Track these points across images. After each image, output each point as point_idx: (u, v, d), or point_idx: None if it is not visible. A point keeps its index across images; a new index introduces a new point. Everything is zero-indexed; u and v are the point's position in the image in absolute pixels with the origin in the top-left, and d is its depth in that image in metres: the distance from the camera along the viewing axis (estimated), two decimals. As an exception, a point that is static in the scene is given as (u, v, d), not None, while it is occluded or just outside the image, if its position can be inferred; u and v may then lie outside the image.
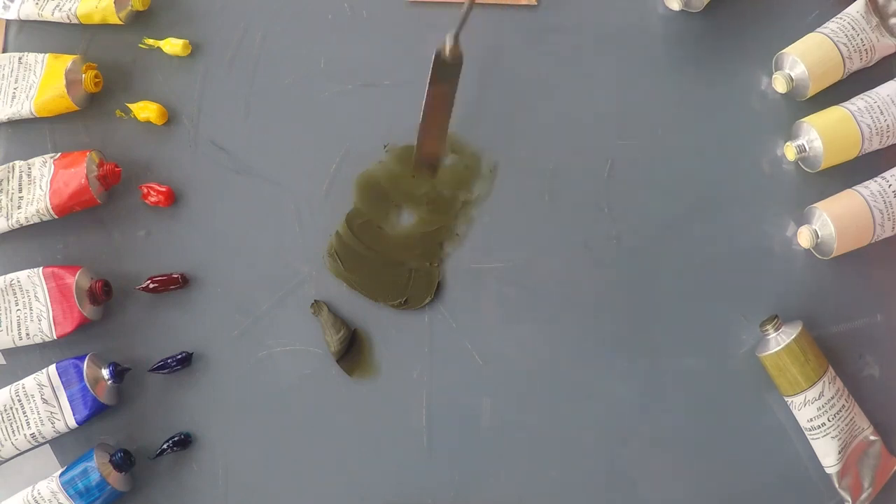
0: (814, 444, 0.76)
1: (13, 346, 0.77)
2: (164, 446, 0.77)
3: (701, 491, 0.77)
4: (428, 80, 0.75)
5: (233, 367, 0.79)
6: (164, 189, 0.80)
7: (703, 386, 0.78)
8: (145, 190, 0.81)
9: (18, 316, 0.77)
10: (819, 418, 0.74)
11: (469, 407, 0.78)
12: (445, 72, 0.75)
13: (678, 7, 0.82)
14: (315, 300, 0.80)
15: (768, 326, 0.76)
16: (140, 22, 0.84)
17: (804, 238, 0.78)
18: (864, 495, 0.76)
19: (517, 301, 0.80)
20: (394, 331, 0.79)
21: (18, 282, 0.77)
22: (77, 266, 0.78)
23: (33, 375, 0.76)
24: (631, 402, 0.78)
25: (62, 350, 0.79)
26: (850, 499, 0.76)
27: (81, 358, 0.76)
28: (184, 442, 0.77)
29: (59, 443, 0.77)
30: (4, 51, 0.84)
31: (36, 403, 0.75)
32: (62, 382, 0.75)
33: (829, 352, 0.77)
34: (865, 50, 0.78)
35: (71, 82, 0.80)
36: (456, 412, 0.78)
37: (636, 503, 0.77)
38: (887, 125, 0.77)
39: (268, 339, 0.79)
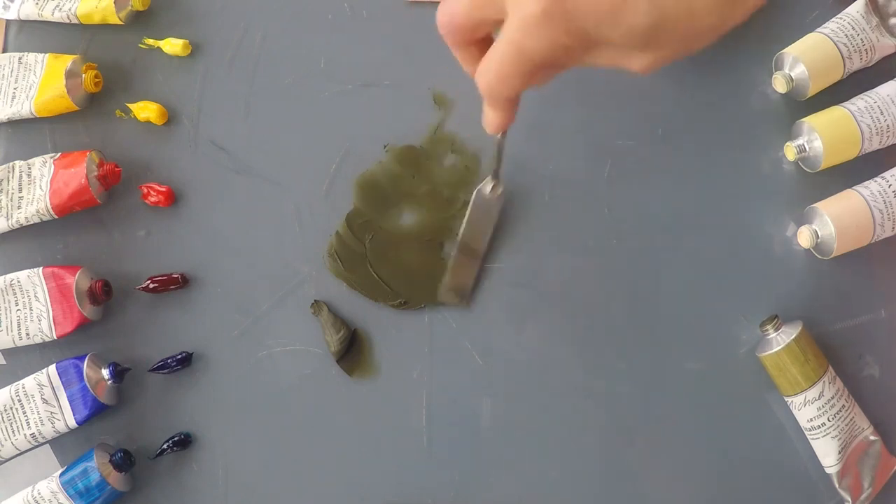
0: (814, 444, 0.76)
1: (13, 346, 0.77)
2: (164, 446, 0.77)
3: (701, 491, 0.77)
4: (467, 214, 0.78)
5: (233, 367, 0.79)
6: (164, 189, 0.80)
7: (702, 386, 0.78)
8: (145, 190, 0.81)
9: (18, 316, 0.77)
10: (819, 418, 0.74)
11: (469, 407, 0.78)
12: (486, 207, 0.78)
13: (678, 7, 0.82)
14: (315, 300, 0.80)
15: (768, 326, 0.76)
16: (140, 22, 0.84)
17: (804, 238, 0.78)
18: (864, 495, 0.76)
19: (517, 301, 0.80)
20: (394, 331, 0.79)
21: (18, 282, 0.77)
22: (77, 266, 0.78)
23: (33, 375, 0.76)
24: (631, 401, 0.78)
25: (62, 350, 0.79)
26: (850, 499, 0.76)
27: (81, 358, 0.76)
28: (184, 442, 0.77)
29: (59, 443, 0.77)
30: (4, 51, 0.84)
31: (36, 403, 0.75)
32: (62, 382, 0.75)
33: (829, 352, 0.77)
34: (865, 50, 0.78)
35: (71, 82, 0.80)
36: (456, 412, 0.78)
37: (636, 503, 0.77)
38: (887, 125, 0.77)
39: (268, 339, 0.79)
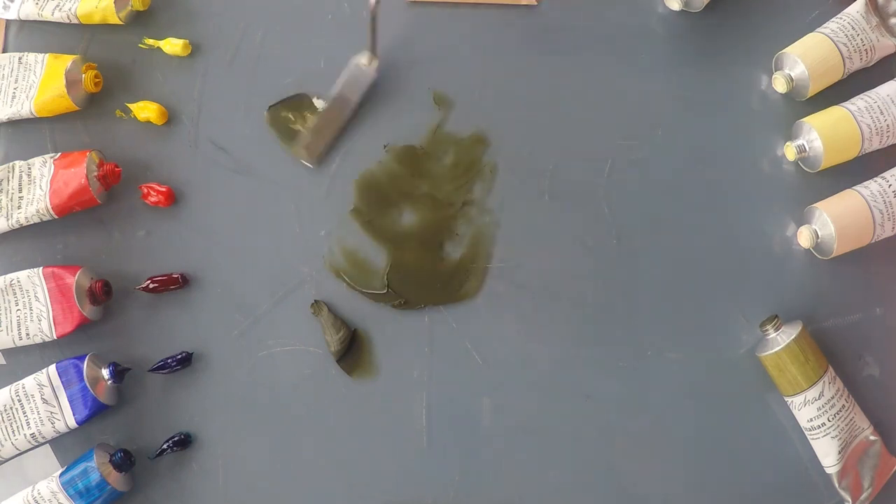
0: (814, 444, 0.76)
1: (13, 346, 0.77)
2: (164, 446, 0.77)
3: (701, 491, 0.77)
4: (340, 79, 0.80)
5: (233, 367, 0.79)
6: (164, 189, 0.80)
7: (702, 386, 0.78)
8: (145, 190, 0.81)
9: (18, 316, 0.77)
10: (819, 418, 0.74)
11: (469, 407, 0.78)
12: (358, 78, 0.80)
13: (678, 7, 0.82)
14: (315, 300, 0.80)
15: (768, 326, 0.76)
16: (140, 22, 0.84)
17: (804, 238, 0.78)
18: (864, 495, 0.76)
19: (517, 301, 0.80)
20: (394, 331, 0.79)
21: (18, 282, 0.77)
22: (77, 266, 0.78)
23: (33, 375, 0.76)
24: (630, 401, 0.78)
25: (62, 350, 0.79)
26: (850, 499, 0.76)
27: (81, 358, 0.76)
28: (184, 442, 0.77)
29: (59, 443, 0.77)
30: (4, 51, 0.84)
31: (36, 403, 0.75)
32: (62, 382, 0.75)
33: (829, 352, 0.77)
34: (865, 50, 0.78)
35: (71, 82, 0.80)
36: (456, 412, 0.78)
37: (636, 502, 0.77)
38: (887, 125, 0.77)
39: (268, 339, 0.79)
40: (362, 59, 0.78)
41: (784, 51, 0.80)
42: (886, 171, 0.78)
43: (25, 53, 0.82)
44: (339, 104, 0.80)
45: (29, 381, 0.75)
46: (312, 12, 0.84)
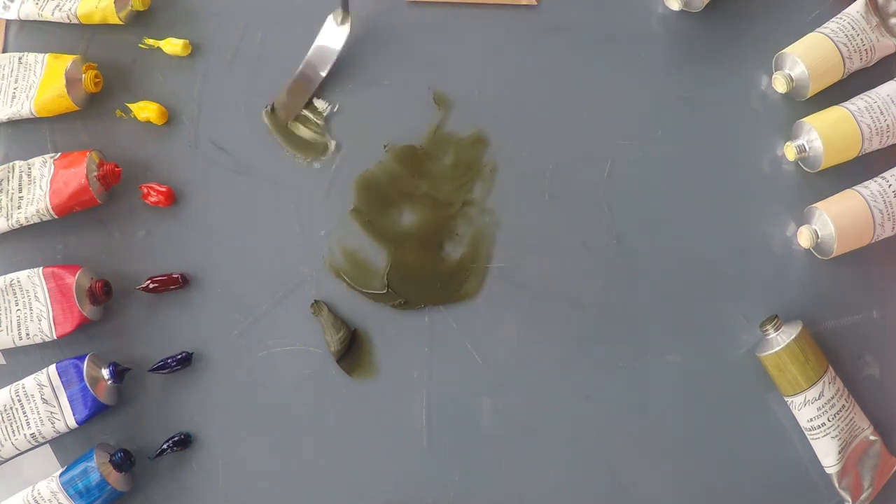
0: (814, 444, 0.76)
1: (13, 346, 0.77)
2: (164, 446, 0.77)
3: (701, 491, 0.77)
4: (316, 40, 0.82)
5: (233, 367, 0.79)
6: (164, 189, 0.80)
7: (702, 386, 0.78)
8: (145, 190, 0.81)
9: (18, 316, 0.77)
10: (819, 418, 0.74)
11: (469, 407, 0.78)
12: (333, 37, 0.82)
13: (678, 7, 0.82)
14: (315, 300, 0.80)
15: (768, 326, 0.76)
16: (140, 22, 0.84)
17: (804, 238, 0.78)
18: (864, 495, 0.76)
19: (517, 301, 0.80)
20: (394, 331, 0.79)
21: (18, 282, 0.77)
22: (77, 266, 0.78)
23: (33, 375, 0.76)
24: (630, 401, 0.78)
25: (62, 350, 0.79)
26: (850, 499, 0.76)
27: (81, 358, 0.76)
28: (184, 442, 0.77)
29: (59, 443, 0.77)
30: (4, 51, 0.84)
31: (36, 403, 0.75)
32: (62, 382, 0.75)
33: (829, 352, 0.77)
34: (865, 50, 0.78)
35: (71, 82, 0.80)
36: (456, 412, 0.78)
37: (636, 502, 0.77)
38: (887, 125, 0.77)
39: (268, 339, 0.79)
40: (336, 18, 0.80)
41: (784, 51, 0.80)
42: (886, 171, 0.78)
43: (25, 53, 0.82)
44: (315, 65, 0.81)
45: (29, 381, 0.75)
46: (312, 12, 0.84)
